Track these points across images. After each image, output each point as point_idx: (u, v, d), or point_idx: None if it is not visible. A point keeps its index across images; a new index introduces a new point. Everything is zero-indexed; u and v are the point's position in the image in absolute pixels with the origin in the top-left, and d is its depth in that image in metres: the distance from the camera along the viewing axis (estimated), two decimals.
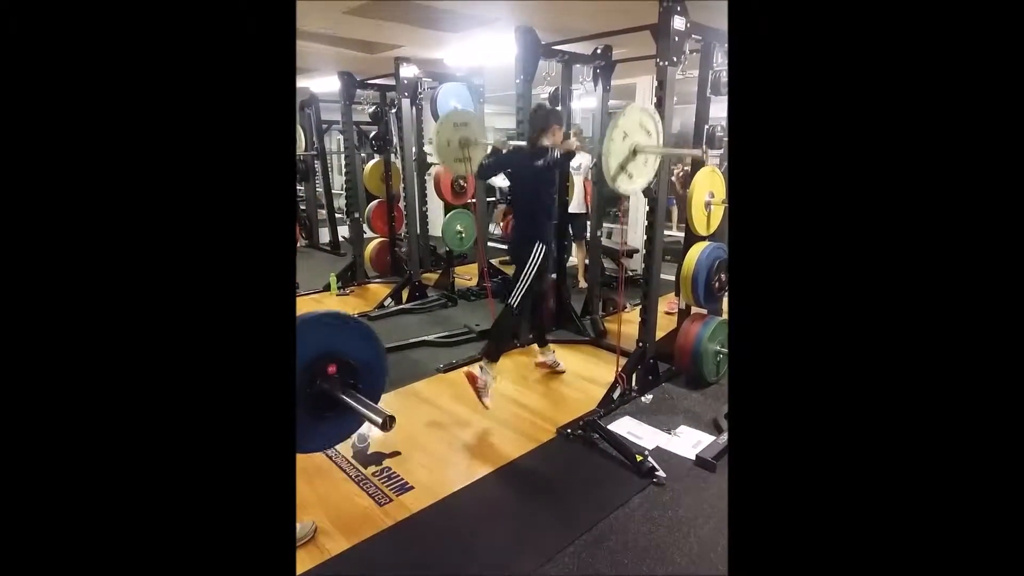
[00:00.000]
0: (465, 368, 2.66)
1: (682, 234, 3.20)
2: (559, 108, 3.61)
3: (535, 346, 3.31)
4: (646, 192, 2.81)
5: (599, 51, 3.51)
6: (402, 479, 2.22)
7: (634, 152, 2.40)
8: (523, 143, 2.87)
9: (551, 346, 3.28)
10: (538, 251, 2.70)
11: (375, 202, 5.51)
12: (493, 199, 7.20)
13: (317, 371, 1.44)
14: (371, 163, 5.51)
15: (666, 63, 2.54)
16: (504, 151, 2.97)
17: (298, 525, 1.88)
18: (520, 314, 2.82)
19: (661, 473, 2.22)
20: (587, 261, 4.60)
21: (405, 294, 4.60)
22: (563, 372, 3.24)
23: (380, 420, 1.33)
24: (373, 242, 5.54)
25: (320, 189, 6.99)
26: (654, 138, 2.47)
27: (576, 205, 4.56)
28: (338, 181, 8.11)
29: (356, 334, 1.52)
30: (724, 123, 2.94)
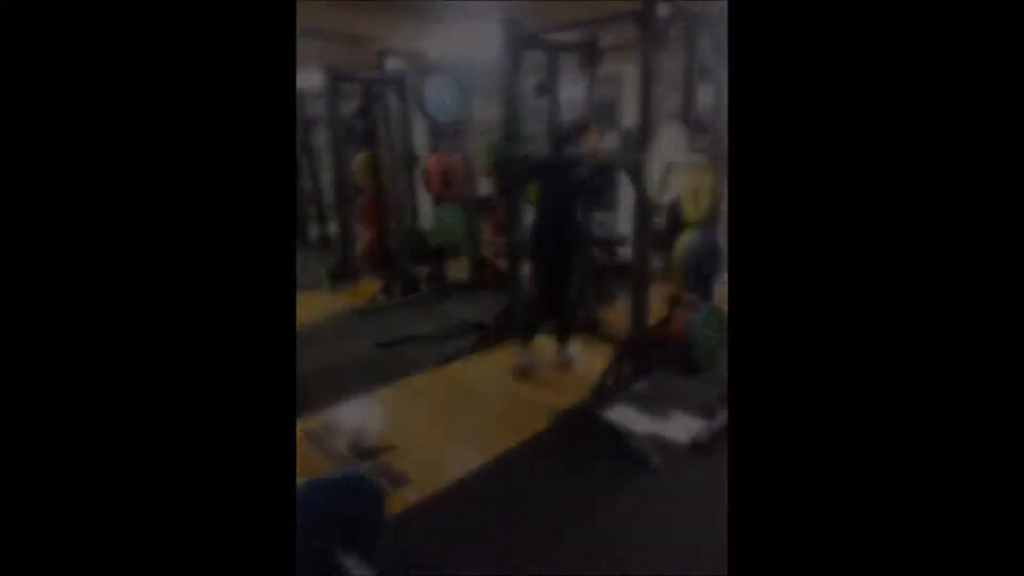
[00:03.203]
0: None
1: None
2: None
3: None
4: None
5: (584, 40, 3.49)
6: (398, 472, 2.23)
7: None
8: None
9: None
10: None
11: (363, 197, 5.46)
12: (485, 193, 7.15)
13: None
14: (358, 158, 5.46)
15: (651, 50, 2.53)
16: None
17: None
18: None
19: (656, 459, 2.24)
20: None
21: (397, 289, 4.59)
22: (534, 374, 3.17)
23: None
24: (363, 237, 5.51)
25: (308, 185, 6.94)
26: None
27: None
28: (325, 177, 8.03)
29: (353, 494, 1.50)
30: (709, 109, 2.94)
